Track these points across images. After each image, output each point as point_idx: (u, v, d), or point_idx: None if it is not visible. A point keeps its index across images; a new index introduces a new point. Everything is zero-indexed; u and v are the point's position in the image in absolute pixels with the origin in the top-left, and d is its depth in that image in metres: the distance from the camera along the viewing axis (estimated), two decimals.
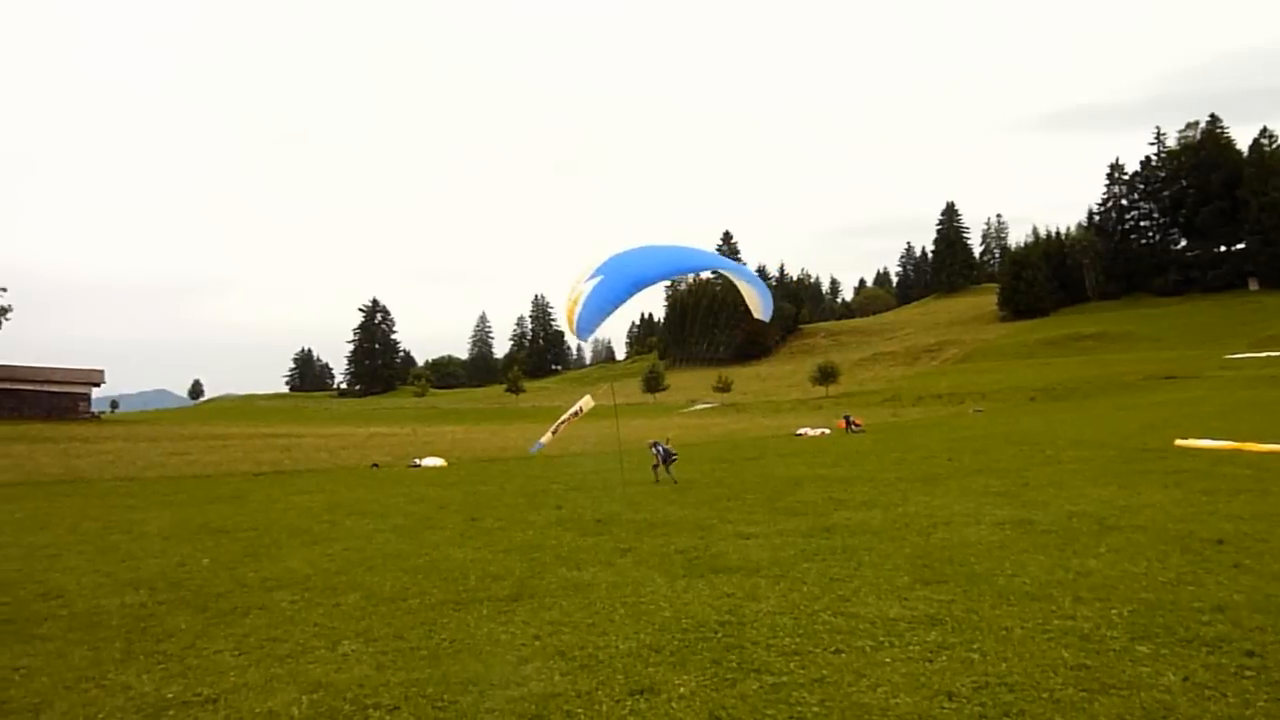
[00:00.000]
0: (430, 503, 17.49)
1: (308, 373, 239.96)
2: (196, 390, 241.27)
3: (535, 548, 11.26)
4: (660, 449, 20.35)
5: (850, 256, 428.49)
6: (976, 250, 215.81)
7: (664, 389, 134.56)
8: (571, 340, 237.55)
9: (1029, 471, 17.94)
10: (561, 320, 16.56)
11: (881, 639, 6.36)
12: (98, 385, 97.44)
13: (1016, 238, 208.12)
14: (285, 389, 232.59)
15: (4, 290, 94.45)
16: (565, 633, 6.90)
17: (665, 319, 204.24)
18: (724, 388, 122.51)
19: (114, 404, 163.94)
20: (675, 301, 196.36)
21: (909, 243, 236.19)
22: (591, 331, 15.10)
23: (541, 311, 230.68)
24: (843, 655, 6.01)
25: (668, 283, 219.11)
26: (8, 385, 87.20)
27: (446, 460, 32.68)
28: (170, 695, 5.63)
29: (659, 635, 6.71)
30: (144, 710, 5.36)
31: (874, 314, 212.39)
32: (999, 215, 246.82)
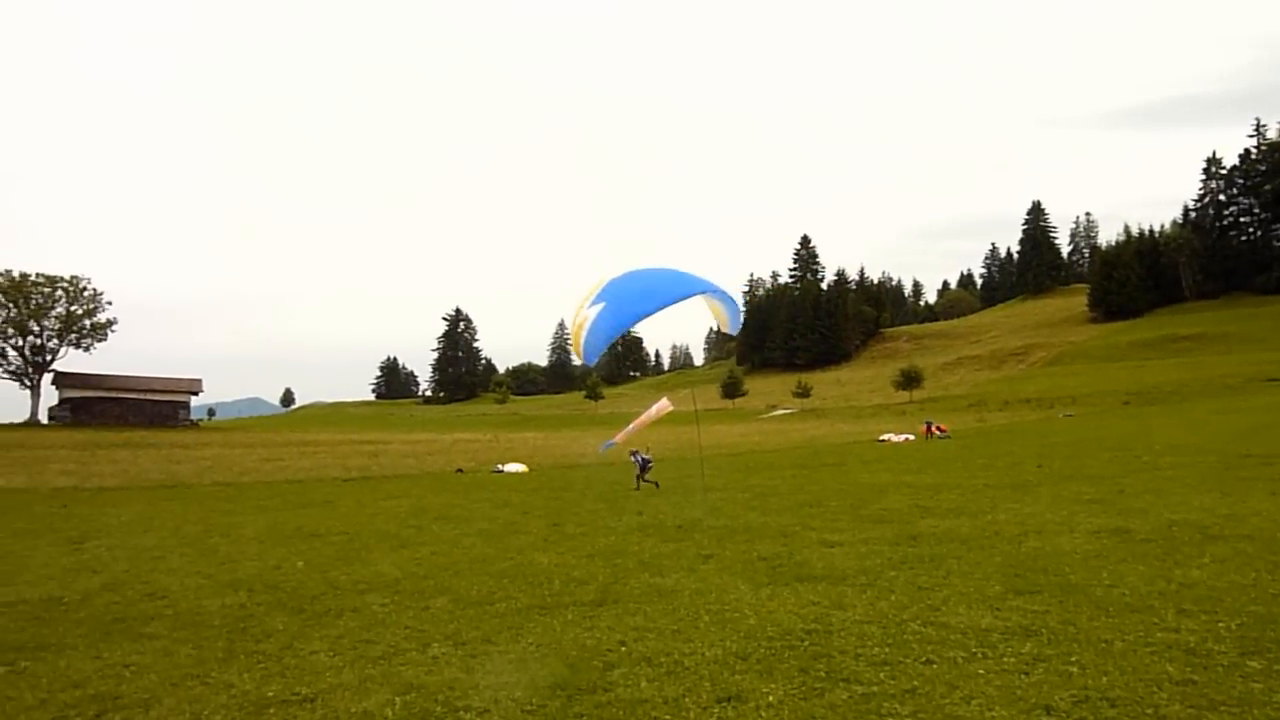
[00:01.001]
0: (513, 508, 17.72)
1: (393, 381, 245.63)
2: (288, 398, 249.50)
3: (618, 553, 11.31)
4: (639, 458, 21.35)
5: (932, 258, 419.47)
6: (1064, 250, 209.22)
7: (743, 394, 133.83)
8: (651, 347, 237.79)
9: (1124, 478, 17.32)
10: (568, 343, 16.86)
11: (974, 650, 6.20)
12: (196, 394, 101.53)
13: (1107, 236, 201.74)
14: (372, 396, 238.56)
15: (109, 304, 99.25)
16: (650, 639, 6.90)
17: (743, 324, 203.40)
18: (803, 393, 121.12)
19: (211, 412, 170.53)
20: (753, 307, 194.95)
21: (993, 243, 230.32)
22: (597, 358, 15.41)
23: None
24: (934, 666, 5.88)
25: (745, 288, 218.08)
26: (114, 394, 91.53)
27: (528, 466, 33.08)
28: (270, 694, 5.82)
29: (745, 643, 6.66)
30: (246, 708, 5.55)
31: (958, 317, 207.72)
32: (1088, 214, 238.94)
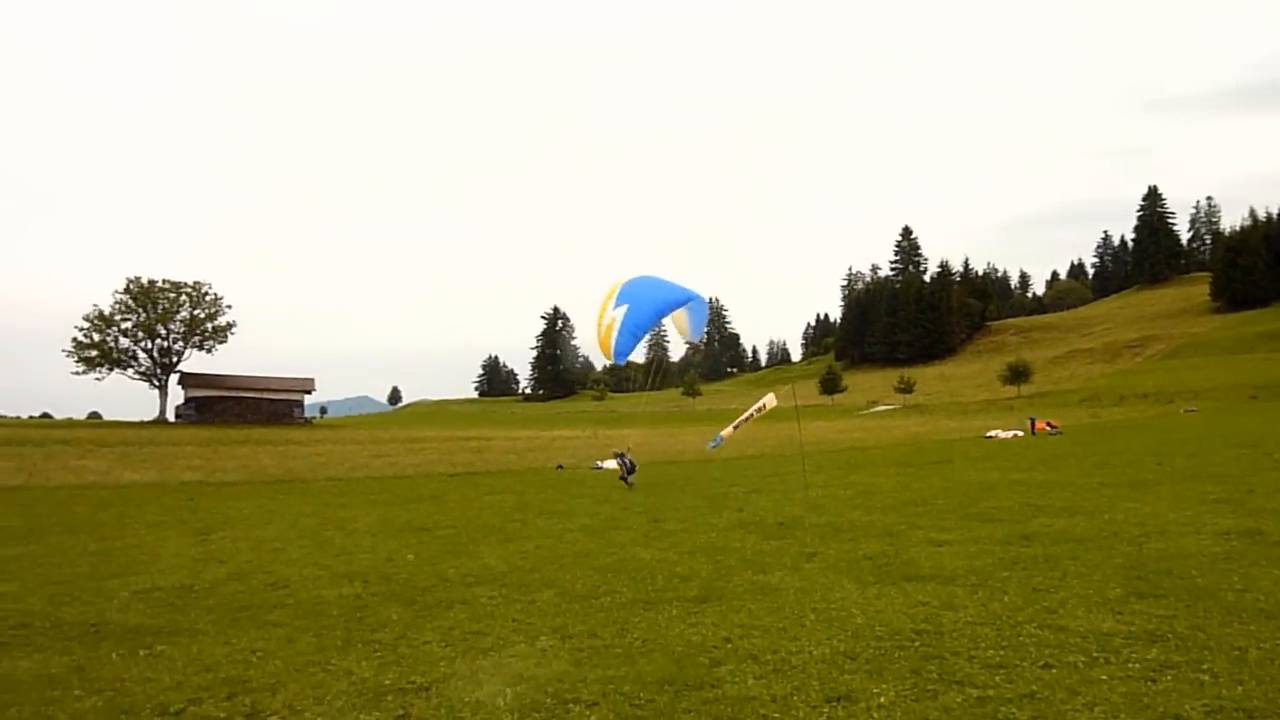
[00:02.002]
0: (614, 504, 17.87)
1: (495, 379, 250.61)
2: (395, 396, 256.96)
3: (719, 550, 11.29)
4: (625, 459, 21.84)
5: (1040, 248, 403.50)
6: (1184, 237, 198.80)
7: (842, 390, 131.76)
8: (748, 343, 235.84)
9: (1254, 477, 16.40)
10: (592, 343, 17.13)
11: (1095, 655, 5.97)
12: (309, 393, 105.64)
13: (1231, 221, 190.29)
14: (474, 394, 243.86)
15: (229, 308, 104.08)
16: (756, 636, 6.88)
17: (842, 318, 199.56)
18: (906, 388, 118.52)
19: (323, 409, 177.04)
20: (852, 300, 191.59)
21: (1105, 231, 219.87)
22: (627, 357, 15.60)
23: (716, 315, 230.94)
24: (1052, 670, 5.69)
25: (844, 282, 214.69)
26: (234, 393, 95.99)
27: None
28: (387, 682, 6.02)
29: (853, 642, 6.57)
30: (365, 694, 5.76)
31: (1068, 308, 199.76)
32: (1209, 198, 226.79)
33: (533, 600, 8.61)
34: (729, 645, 6.64)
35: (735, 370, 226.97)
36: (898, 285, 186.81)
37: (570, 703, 5.43)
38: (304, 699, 5.69)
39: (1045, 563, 9.33)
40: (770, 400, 13.51)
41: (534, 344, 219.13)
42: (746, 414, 13.60)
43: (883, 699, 5.29)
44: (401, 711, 5.38)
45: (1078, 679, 5.50)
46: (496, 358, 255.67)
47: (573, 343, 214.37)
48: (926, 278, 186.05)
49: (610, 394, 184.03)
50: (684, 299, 17.40)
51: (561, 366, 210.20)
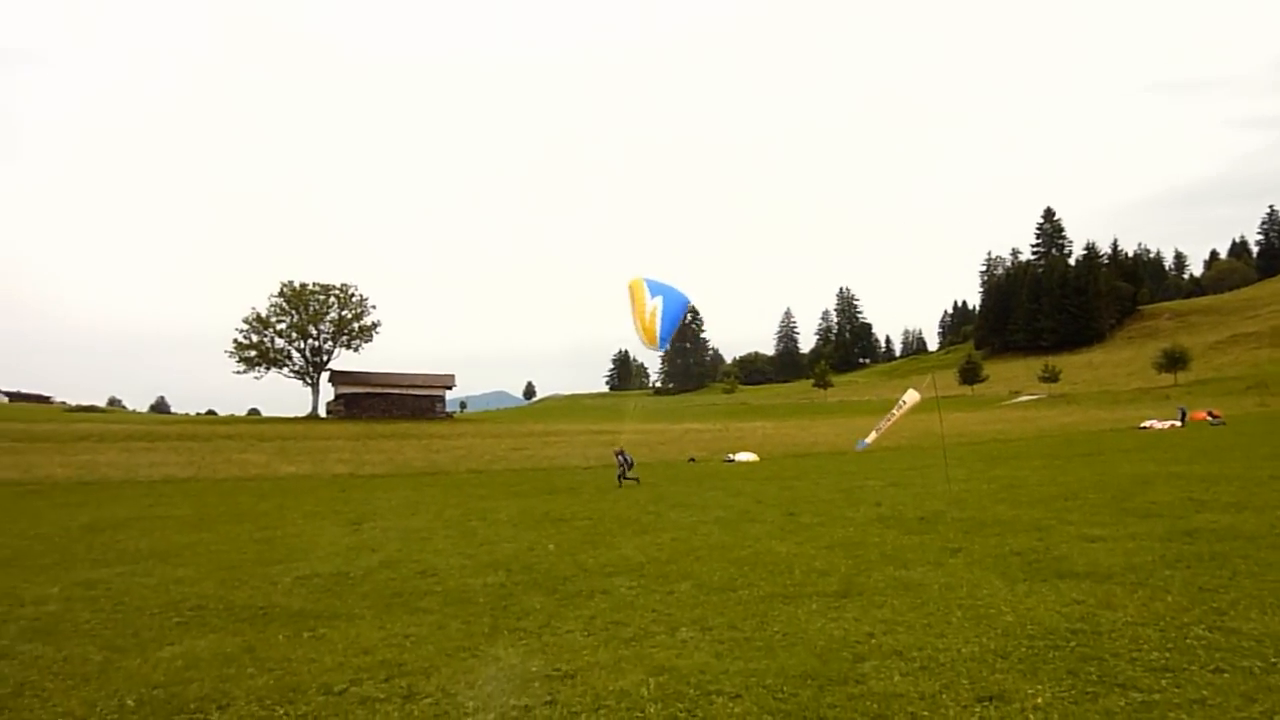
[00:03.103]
0: (747, 497, 17.81)
1: (625, 372, 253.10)
2: (530, 391, 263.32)
3: (857, 545, 11.09)
4: (623, 457, 22.06)
5: (1195, 227, 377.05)
6: None
7: (982, 380, 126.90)
8: (881, 332, 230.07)
9: None
10: (633, 331, 17.66)
11: (1273, 660, 5.56)
12: (450, 388, 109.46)
13: None
14: (606, 388, 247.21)
15: (374, 308, 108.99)
16: (900, 632, 6.72)
17: (981, 305, 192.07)
18: (1051, 377, 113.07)
19: (463, 404, 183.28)
20: (992, 286, 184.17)
21: (1272, 207, 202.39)
22: (668, 343, 16.19)
23: (847, 304, 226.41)
24: (1225, 675, 5.33)
25: (982, 267, 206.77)
26: (380, 390, 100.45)
27: (758, 455, 33.12)
28: (534, 668, 6.19)
29: (1003, 641, 6.34)
30: (513, 680, 5.94)
31: (1230, 290, 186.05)
32: None
33: (671, 591, 8.67)
34: (872, 641, 6.52)
35: (867, 361, 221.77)
36: (1040, 269, 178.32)
37: (713, 694, 5.45)
38: (456, 682, 5.92)
39: (1211, 561, 8.76)
40: (913, 397, 13.12)
41: None
42: (891, 414, 13.21)
43: (1039, 699, 5.07)
44: (549, 697, 5.51)
45: (1253, 685, 5.13)
46: (626, 352, 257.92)
47: (702, 335, 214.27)
48: (1071, 261, 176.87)
49: (740, 386, 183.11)
50: (685, 301, 18.14)
51: (692, 360, 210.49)
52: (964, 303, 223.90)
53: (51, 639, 7.46)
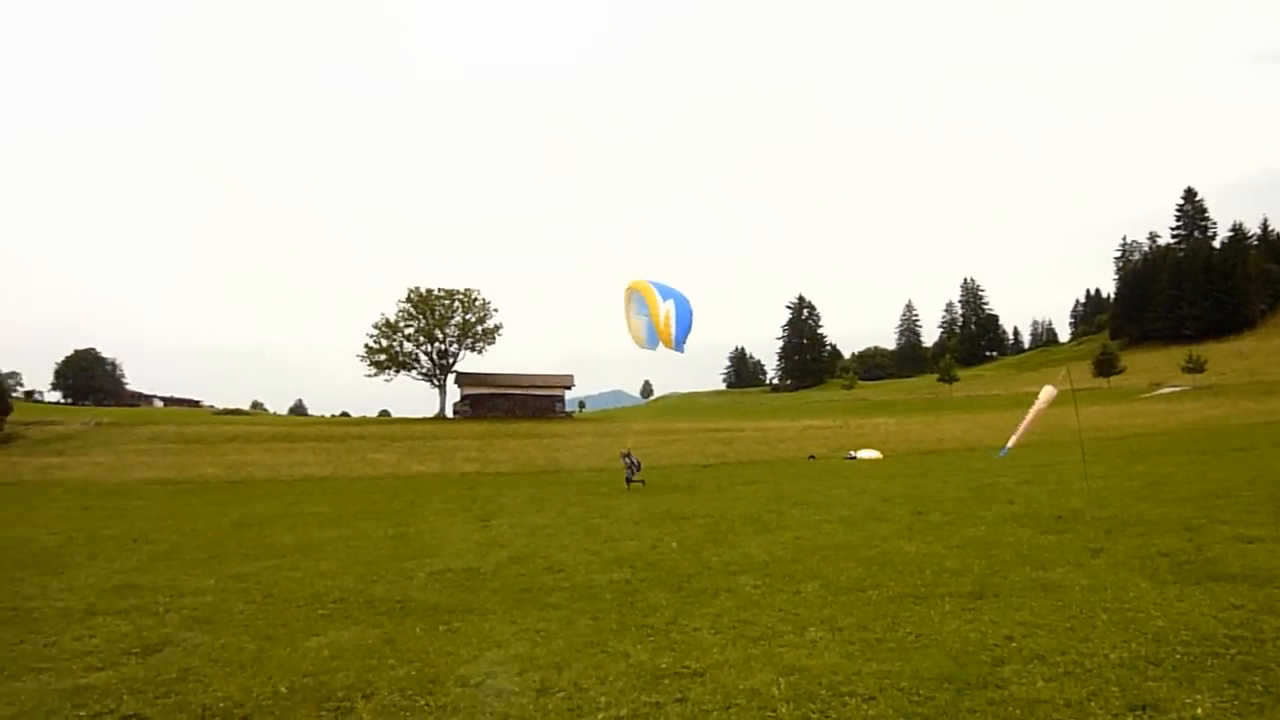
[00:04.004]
0: (872, 495, 17.45)
1: (742, 369, 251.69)
2: (647, 390, 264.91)
3: (991, 544, 10.71)
4: (630, 460, 22.09)
5: None
6: None
7: (1119, 371, 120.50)
8: (1008, 324, 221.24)
9: None
10: (634, 329, 17.87)
11: None
12: (569, 388, 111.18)
13: None
14: (722, 386, 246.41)
15: (496, 311, 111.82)
16: (1041, 635, 6.45)
17: (1116, 293, 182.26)
18: (1195, 368, 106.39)
19: (581, 404, 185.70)
20: (1128, 273, 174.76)
21: None
22: (683, 345, 17.69)
23: (972, 295, 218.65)
24: None
25: (1117, 253, 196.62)
26: (503, 390, 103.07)
27: (881, 453, 32.43)
28: (663, 665, 6.22)
29: (1155, 647, 6.00)
30: (643, 676, 5.98)
31: None
32: None
33: (797, 591, 8.57)
34: (1012, 644, 6.28)
35: (995, 354, 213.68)
36: (1181, 254, 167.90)
37: (845, 695, 5.35)
38: (588, 678, 6.00)
39: None
40: (1050, 392, 12.46)
41: (780, 334, 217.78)
42: (1031, 412, 12.55)
43: (1198, 710, 4.78)
44: (679, 695, 5.53)
45: None
46: (743, 349, 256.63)
47: (819, 330, 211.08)
48: (1216, 243, 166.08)
49: (860, 382, 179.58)
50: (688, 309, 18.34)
51: (809, 356, 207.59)
52: (1097, 291, 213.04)
53: (209, 628, 7.94)
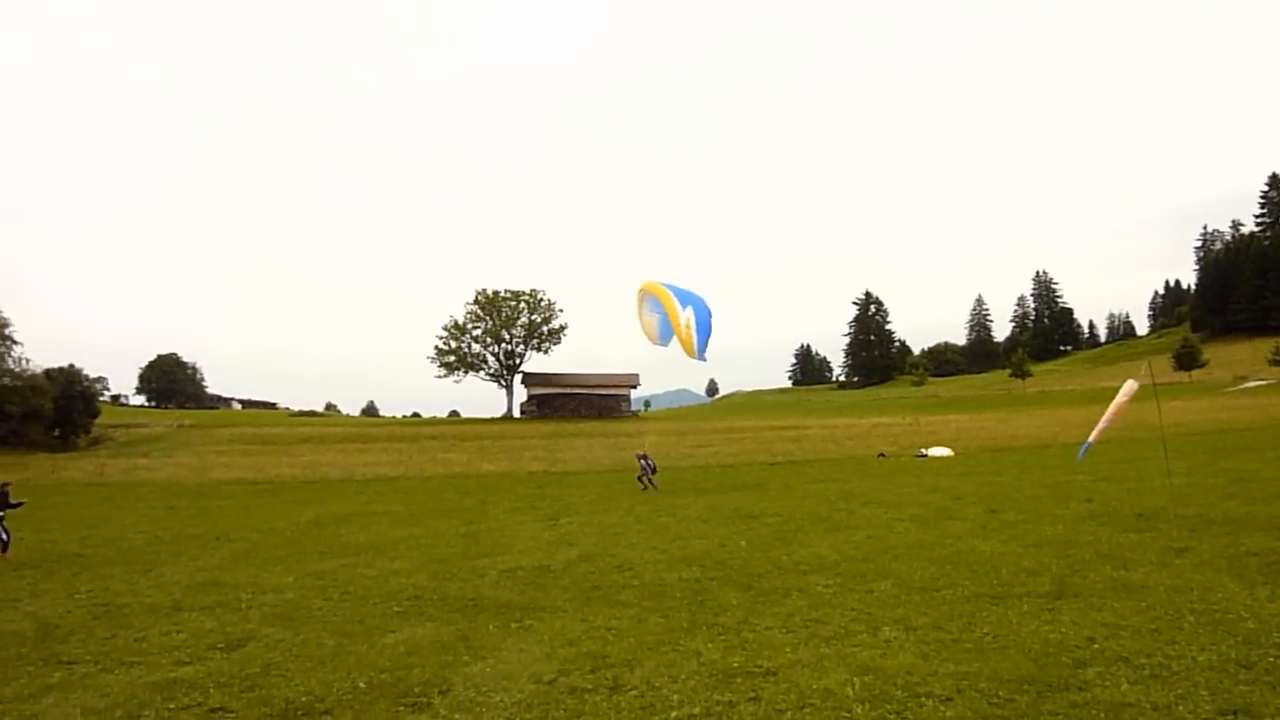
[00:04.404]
0: (944, 493, 17.15)
1: (807, 367, 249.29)
2: (712, 388, 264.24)
3: (1069, 543, 10.45)
4: (646, 461, 21.85)
5: None
6: None
7: (1201, 365, 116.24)
8: (1082, 317, 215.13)
9: None
10: (653, 329, 17.69)
11: None
12: (635, 387, 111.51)
13: None
14: (788, 383, 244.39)
15: (561, 311, 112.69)
16: (1125, 637, 6.27)
17: (1197, 284, 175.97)
18: None
19: (647, 403, 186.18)
20: (1210, 263, 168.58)
21: None
22: (705, 353, 17.40)
23: (1045, 289, 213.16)
24: None
25: (1198, 242, 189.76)
26: (570, 390, 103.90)
27: (953, 450, 31.84)
28: (735, 664, 6.20)
29: (1245, 649, 5.79)
30: (715, 675, 5.97)
31: None
32: None
33: (870, 590, 8.47)
34: (1094, 646, 6.11)
35: (1069, 348, 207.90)
36: (1266, 242, 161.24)
37: (922, 696, 5.27)
38: (660, 676, 6.02)
39: None
40: (1131, 387, 12.03)
41: (846, 330, 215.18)
42: (1112, 408, 12.13)
43: None
44: (753, 694, 5.51)
45: None
46: (808, 345, 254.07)
47: (886, 326, 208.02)
48: None
49: (930, 378, 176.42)
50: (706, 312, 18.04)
51: (877, 352, 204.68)
52: (1177, 282, 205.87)
53: (290, 624, 8.17)
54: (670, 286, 17.94)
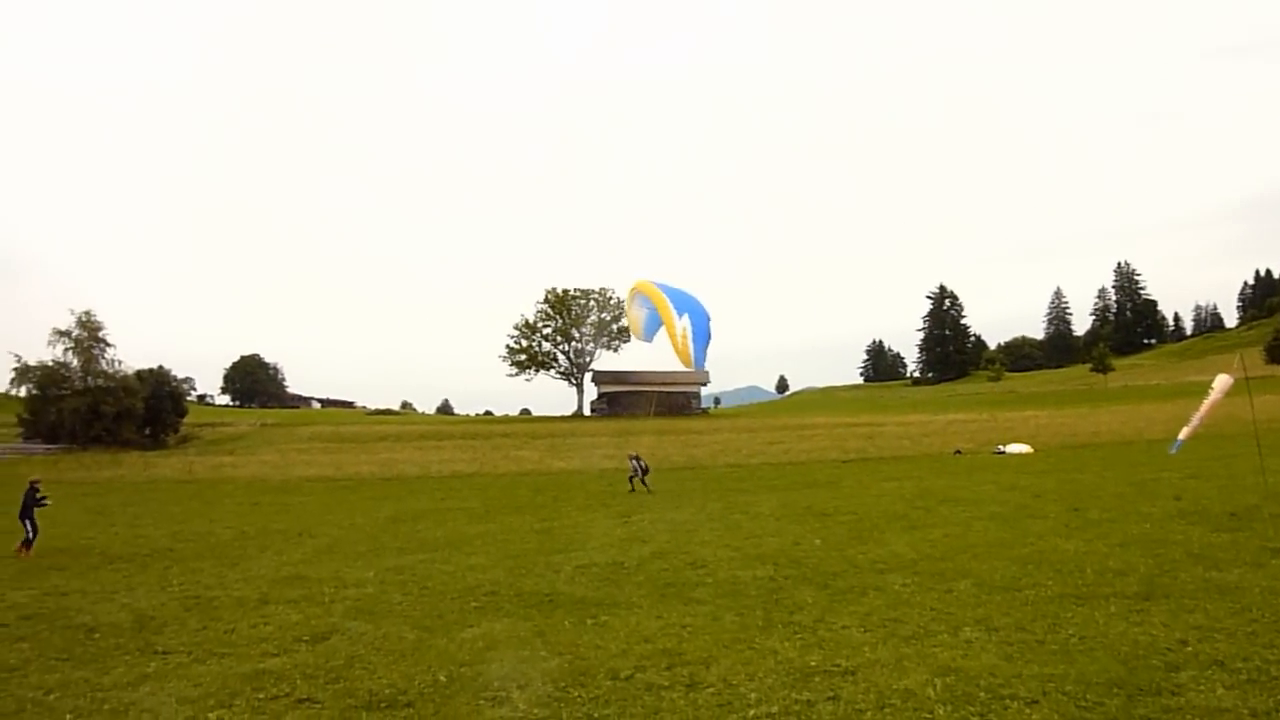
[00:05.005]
0: (1024, 490, 16.74)
1: (880, 363, 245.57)
2: (782, 385, 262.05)
3: (1157, 542, 10.11)
4: (638, 463, 21.40)
5: None
6: None
7: None
8: (1167, 309, 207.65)
9: None
10: (638, 325, 17.15)
11: None
12: (705, 385, 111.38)
13: None
14: (860, 380, 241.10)
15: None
16: (1219, 640, 6.05)
17: None
18: None
19: (717, 400, 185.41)
20: None
21: None
22: (703, 362, 17.33)
23: (1127, 280, 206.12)
24: None
25: None
26: (639, 388, 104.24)
27: (1032, 447, 31.05)
28: (812, 663, 6.15)
29: None
30: (792, 674, 5.93)
31: None
32: None
33: (949, 589, 8.32)
34: (1187, 649, 5.91)
35: (1153, 341, 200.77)
36: None
37: (1006, 699, 5.16)
38: (736, 674, 6.00)
39: None
40: (1225, 381, 11.53)
41: (920, 325, 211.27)
42: (1206, 404, 11.64)
43: None
44: (831, 693, 5.46)
45: None
46: (881, 341, 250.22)
47: (962, 321, 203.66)
48: None
49: (1007, 373, 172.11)
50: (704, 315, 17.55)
51: (952, 347, 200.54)
52: (1268, 271, 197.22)
53: (371, 618, 8.37)
54: (664, 288, 17.52)
